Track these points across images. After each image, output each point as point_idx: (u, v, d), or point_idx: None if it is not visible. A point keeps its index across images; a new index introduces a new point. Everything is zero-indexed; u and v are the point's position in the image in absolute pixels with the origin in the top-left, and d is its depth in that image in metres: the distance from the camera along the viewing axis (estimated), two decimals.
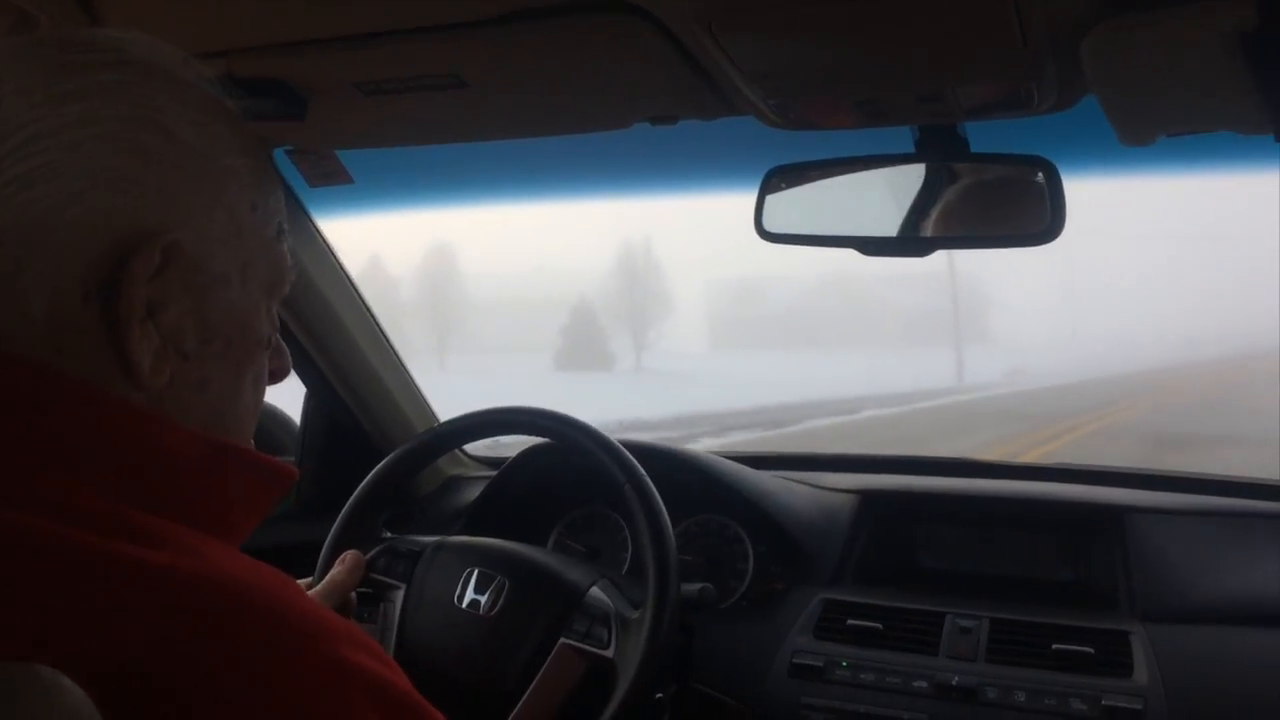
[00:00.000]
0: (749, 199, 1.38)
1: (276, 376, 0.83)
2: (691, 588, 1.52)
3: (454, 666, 1.46)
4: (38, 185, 0.62)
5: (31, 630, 0.55)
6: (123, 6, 1.03)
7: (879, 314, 63.56)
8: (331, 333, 1.87)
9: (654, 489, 1.49)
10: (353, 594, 1.43)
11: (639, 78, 1.14)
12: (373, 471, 1.66)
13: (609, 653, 1.41)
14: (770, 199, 1.36)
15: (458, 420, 1.70)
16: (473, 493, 2.07)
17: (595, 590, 1.49)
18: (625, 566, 1.91)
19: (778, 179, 1.36)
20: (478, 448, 2.20)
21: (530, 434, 1.69)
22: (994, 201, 1.27)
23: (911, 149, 1.30)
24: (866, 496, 1.84)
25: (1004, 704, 1.46)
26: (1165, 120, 1.07)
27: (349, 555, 1.49)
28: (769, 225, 1.36)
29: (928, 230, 1.29)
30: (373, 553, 1.58)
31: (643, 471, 1.51)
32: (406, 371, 2.07)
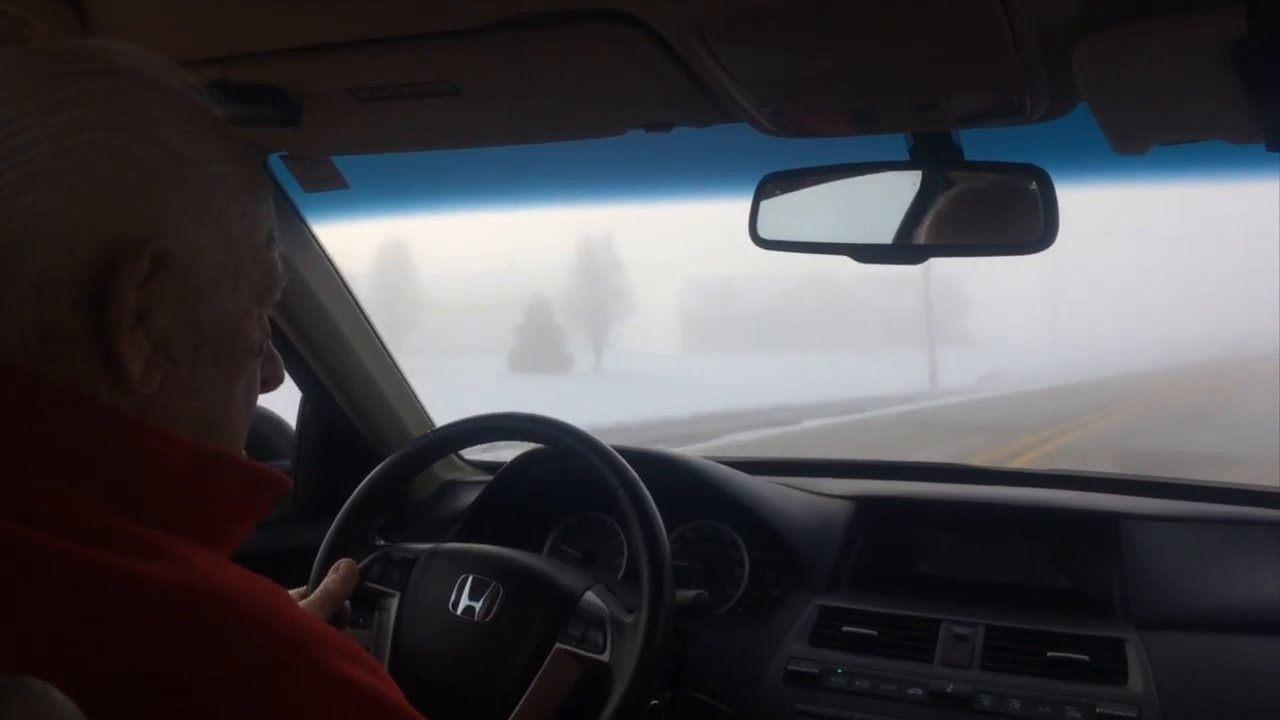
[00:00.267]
0: (739, 205, 1.38)
1: (269, 384, 0.83)
2: (686, 594, 1.52)
3: (450, 673, 1.46)
4: (27, 193, 0.62)
5: (20, 642, 0.55)
6: (116, 13, 1.04)
7: (857, 315, 61.89)
8: (327, 337, 1.87)
9: (647, 492, 1.49)
10: (346, 603, 1.43)
11: (633, 85, 1.14)
12: (368, 477, 1.66)
13: (604, 657, 1.41)
14: (765, 206, 1.36)
15: (453, 425, 1.70)
16: (469, 497, 2.07)
17: (590, 595, 1.49)
18: (620, 572, 1.91)
19: (772, 185, 1.36)
20: (473, 452, 2.20)
21: (525, 439, 1.69)
22: (987, 209, 1.27)
23: (906, 156, 1.31)
24: (862, 502, 1.84)
25: (999, 712, 1.46)
26: (1158, 129, 1.07)
27: (342, 564, 1.49)
28: (763, 232, 1.37)
29: (922, 238, 1.30)
30: (366, 561, 1.58)
31: (636, 475, 1.51)
32: (402, 376, 2.07)
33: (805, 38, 0.99)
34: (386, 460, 1.68)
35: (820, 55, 1.03)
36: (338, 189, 1.56)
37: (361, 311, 1.94)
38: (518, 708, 1.39)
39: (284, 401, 2.10)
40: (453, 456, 2.17)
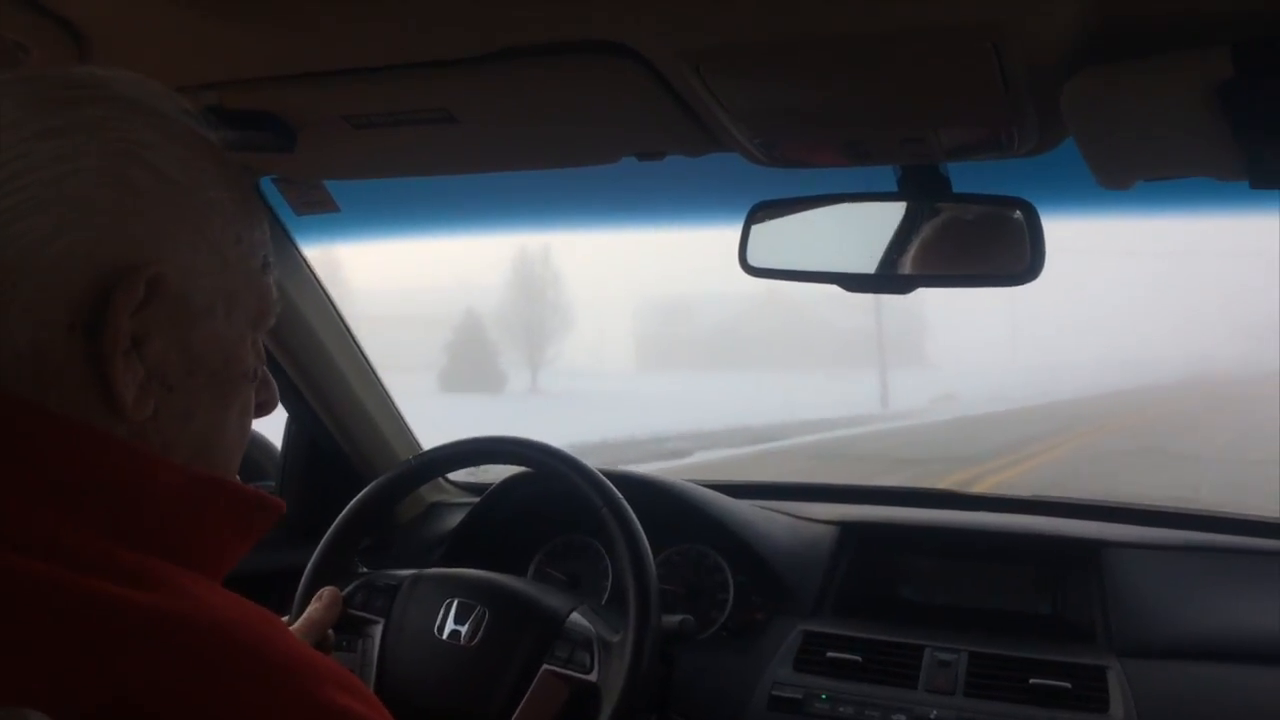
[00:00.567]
0: (729, 232, 1.39)
1: (264, 409, 0.83)
2: (672, 619, 1.52)
3: (437, 698, 1.46)
4: (21, 219, 0.62)
5: (17, 672, 0.55)
6: (113, 39, 1.04)
7: (815, 335, 59.71)
8: (316, 359, 1.87)
9: (632, 514, 1.50)
10: (330, 631, 1.43)
11: (627, 115, 1.16)
12: (353, 502, 1.66)
13: (592, 676, 1.41)
14: (755, 234, 1.37)
15: (441, 449, 1.70)
16: (454, 520, 2.07)
17: (576, 615, 1.49)
18: (606, 595, 1.91)
19: (762, 214, 1.37)
20: (460, 473, 2.20)
21: (511, 463, 1.70)
22: (975, 241, 1.28)
23: (894, 187, 1.32)
24: (847, 527, 1.85)
25: None
26: (1143, 165, 1.09)
27: (326, 592, 1.49)
28: (753, 260, 1.38)
29: (909, 268, 1.31)
30: (350, 588, 1.58)
31: (621, 497, 1.52)
32: (390, 399, 2.07)
33: (799, 74, 1.01)
34: (372, 484, 1.67)
35: (813, 91, 1.05)
36: (329, 212, 1.56)
37: (350, 334, 1.94)
38: None
39: (269, 423, 2.09)
40: (440, 479, 2.17)
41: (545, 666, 1.44)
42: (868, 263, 1.34)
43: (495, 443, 1.65)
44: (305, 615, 1.42)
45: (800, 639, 1.68)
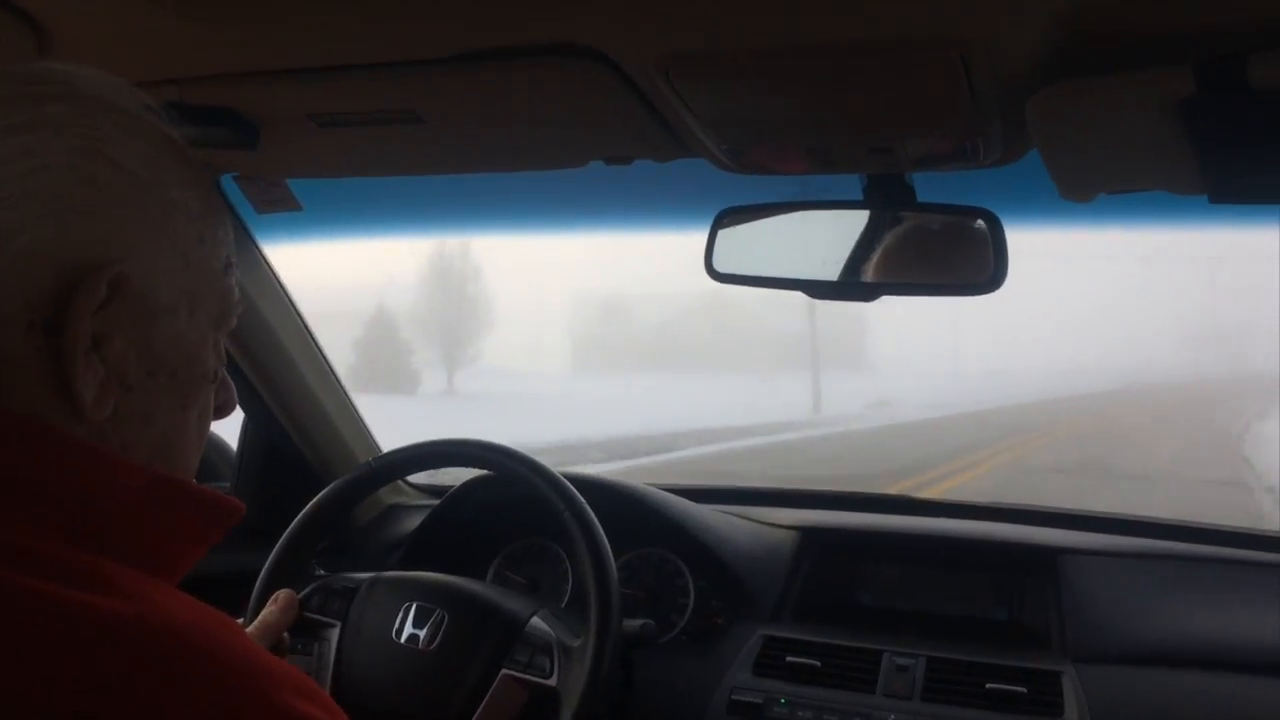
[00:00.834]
0: (691, 237, 1.40)
1: (222, 411, 0.82)
2: (633, 624, 1.52)
3: (394, 702, 1.44)
4: None
5: None
6: (75, 33, 1.02)
7: (754, 337, 57.87)
8: (274, 358, 1.84)
9: (594, 517, 1.50)
10: (285, 634, 1.41)
11: (595, 120, 1.15)
12: (310, 504, 1.64)
13: (552, 681, 1.41)
14: (721, 240, 1.37)
15: (400, 451, 1.69)
16: (412, 522, 2.05)
17: (536, 620, 1.49)
18: (566, 599, 1.91)
19: (728, 220, 1.38)
20: (419, 477, 2.18)
21: (469, 465, 1.69)
22: (939, 250, 1.30)
23: (860, 196, 1.33)
24: (807, 533, 1.86)
25: None
26: (1105, 179, 1.11)
27: (282, 595, 1.47)
28: (719, 266, 1.38)
29: (874, 276, 1.32)
30: (306, 591, 1.56)
31: (582, 500, 1.52)
32: (349, 400, 2.05)
33: (768, 81, 1.01)
34: (330, 487, 1.66)
35: (782, 99, 1.05)
36: (290, 211, 1.54)
37: (310, 334, 1.92)
38: None
39: (225, 423, 2.05)
40: (399, 480, 2.15)
41: (504, 671, 1.43)
42: (833, 270, 1.35)
43: (457, 445, 1.64)
44: (260, 618, 1.40)
45: (760, 644, 1.69)
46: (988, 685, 1.53)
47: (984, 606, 1.73)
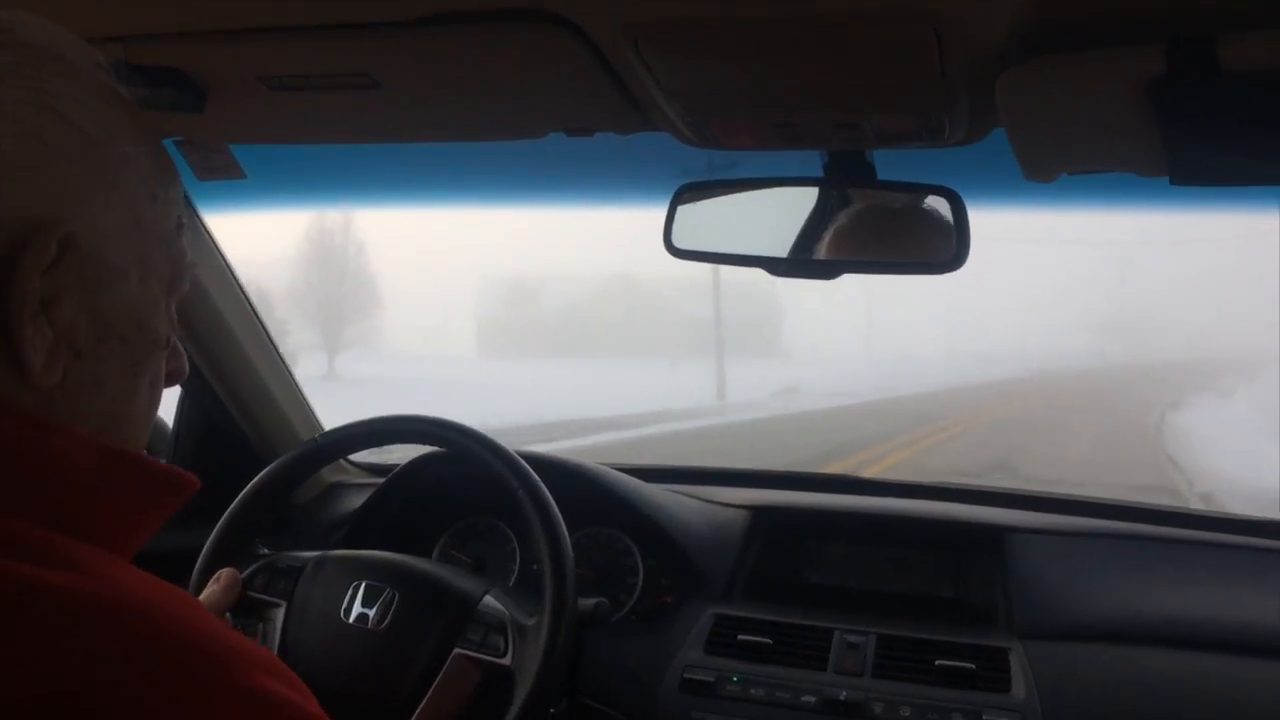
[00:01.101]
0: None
1: (173, 378, 0.80)
2: (587, 602, 1.51)
3: (342, 683, 1.41)
4: None
5: None
6: None
7: (665, 321, 55.62)
8: (214, 332, 1.79)
9: (548, 494, 1.48)
10: (228, 614, 1.38)
11: (559, 89, 1.12)
12: (253, 482, 1.60)
13: (506, 660, 1.39)
14: (680, 215, 1.36)
15: (348, 428, 1.65)
16: (355, 501, 2.01)
17: (489, 599, 1.47)
18: (513, 578, 1.89)
19: (688, 195, 1.36)
20: (362, 455, 2.14)
21: (420, 442, 1.65)
22: (901, 228, 1.30)
23: (819, 173, 1.32)
24: (758, 512, 1.86)
25: (890, 718, 1.49)
26: (1069, 159, 1.11)
27: (224, 574, 1.44)
28: (678, 241, 1.36)
29: (835, 253, 1.31)
30: (250, 570, 1.53)
31: (537, 477, 1.50)
32: (291, 376, 2.00)
33: (739, 53, 0.99)
34: (273, 464, 1.62)
35: (751, 71, 1.03)
36: (233, 179, 1.49)
37: (252, 308, 1.87)
38: (415, 715, 1.37)
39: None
40: (340, 459, 2.11)
41: (457, 650, 1.41)
42: (793, 248, 1.34)
43: (407, 422, 1.61)
44: (202, 597, 1.37)
45: (711, 622, 1.69)
46: (937, 662, 1.54)
47: (932, 584, 1.75)
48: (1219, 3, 0.86)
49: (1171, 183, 1.05)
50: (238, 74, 1.12)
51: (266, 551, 1.59)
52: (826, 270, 1.31)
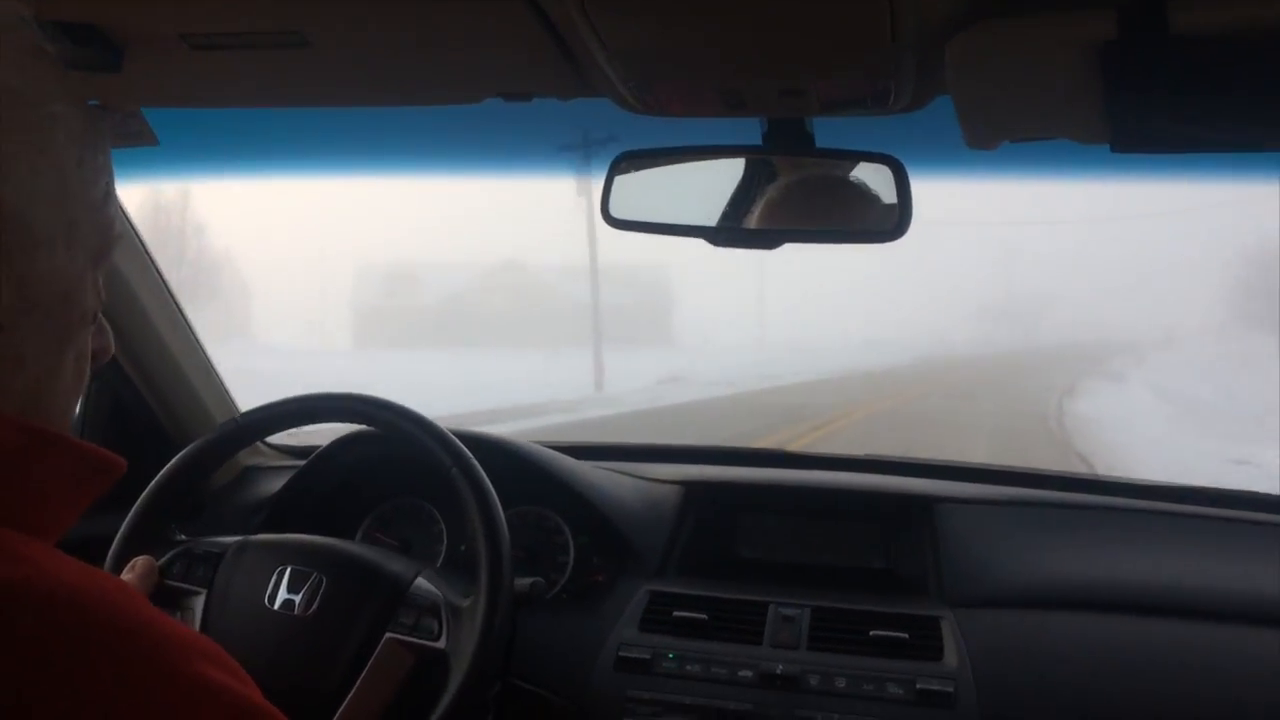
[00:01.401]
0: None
1: (100, 357, 0.76)
2: (523, 582, 1.48)
3: (269, 672, 1.36)
4: None
5: None
6: None
7: (552, 310, 53.17)
8: (125, 309, 1.71)
9: (482, 472, 1.45)
10: None
11: (498, 50, 1.09)
12: (168, 465, 1.54)
13: (440, 643, 1.36)
14: (618, 185, 1.33)
15: (269, 407, 1.59)
16: (273, 485, 1.95)
17: (421, 580, 1.43)
18: (440, 559, 1.85)
19: (625, 164, 1.34)
20: (279, 436, 2.08)
21: (348, 421, 1.60)
22: (843, 197, 1.29)
23: (759, 141, 1.31)
24: (690, 487, 1.85)
25: (826, 690, 1.50)
26: (1013, 126, 1.11)
27: (139, 561, 1.40)
28: (615, 211, 1.34)
29: (776, 223, 1.30)
30: (166, 557, 1.47)
31: (470, 455, 1.47)
32: (206, 357, 1.93)
33: (690, 12, 0.97)
34: (190, 447, 1.56)
35: (702, 33, 1.01)
36: (145, 145, 1.42)
37: (166, 285, 1.79)
38: (346, 702, 1.33)
39: None
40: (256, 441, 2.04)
41: (389, 635, 1.38)
42: (733, 217, 1.33)
43: (334, 400, 1.56)
44: None
45: (646, 599, 1.68)
46: (871, 632, 1.55)
47: (863, 555, 1.76)
48: None
49: (1112, 150, 1.06)
50: (157, 31, 1.06)
51: (183, 538, 1.53)
52: (767, 240, 1.30)
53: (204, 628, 1.41)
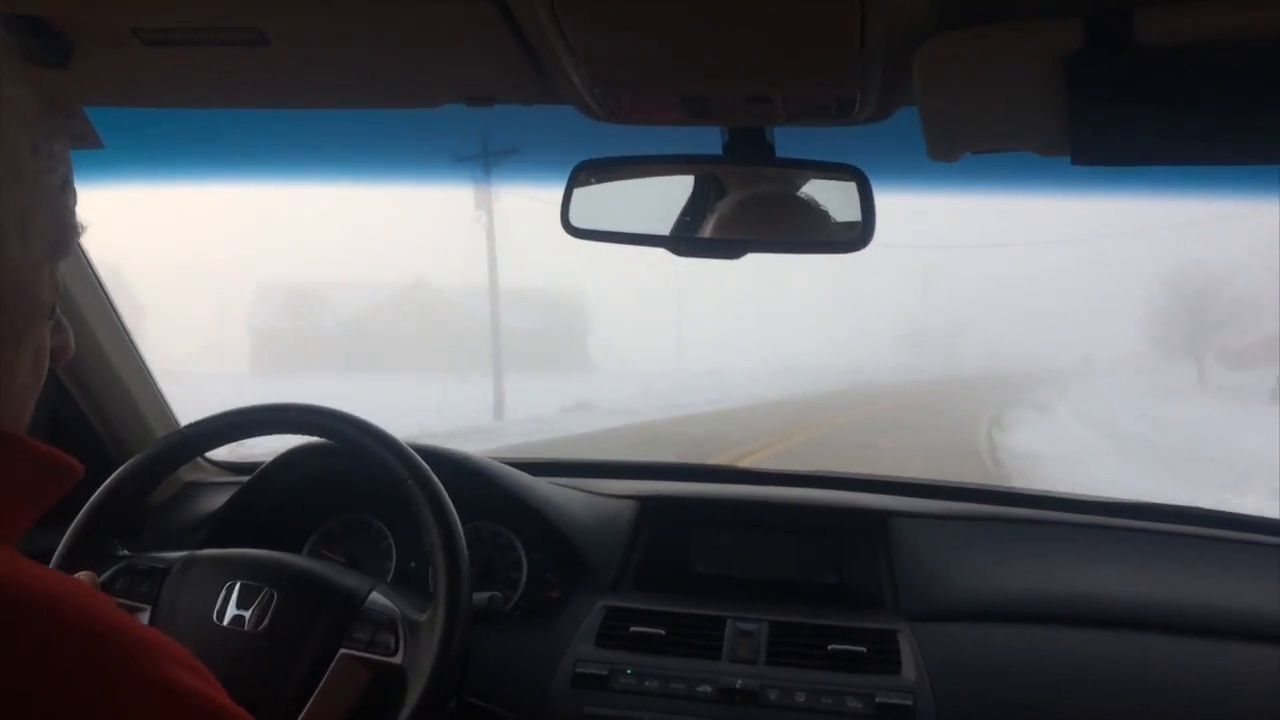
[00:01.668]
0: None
1: (59, 356, 0.74)
2: (481, 596, 1.46)
3: None
4: None
5: None
6: None
7: (462, 333, 49.84)
8: (67, 317, 1.65)
9: (440, 484, 1.43)
10: None
11: (463, 53, 1.07)
12: (111, 478, 1.50)
13: (397, 659, 1.33)
14: (578, 194, 1.33)
15: (216, 419, 1.55)
16: (214, 501, 1.90)
17: (376, 595, 1.40)
18: (390, 575, 1.81)
19: (586, 174, 1.33)
20: (219, 452, 2.02)
21: (300, 433, 1.57)
22: (806, 207, 1.29)
23: (719, 151, 1.31)
24: (645, 502, 1.83)
25: (785, 705, 1.49)
26: (976, 136, 1.12)
27: (81, 577, 1.35)
28: (576, 220, 1.33)
29: (739, 233, 1.30)
30: (109, 573, 1.43)
31: (427, 467, 1.44)
32: (147, 369, 1.87)
33: (660, 18, 0.96)
34: (135, 458, 1.52)
35: (669, 38, 1.01)
36: (89, 148, 1.37)
37: (106, 295, 1.73)
38: None
39: None
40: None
41: (343, 650, 1.34)
42: (696, 227, 1.32)
43: (284, 411, 1.53)
44: None
45: (602, 614, 1.66)
46: (829, 646, 1.55)
47: (818, 570, 1.76)
48: None
49: (1073, 162, 1.07)
50: (109, 24, 1.03)
51: (126, 553, 1.48)
52: (731, 249, 1.30)
53: None
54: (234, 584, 1.39)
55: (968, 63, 0.97)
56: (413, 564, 1.81)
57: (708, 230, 1.33)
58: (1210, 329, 40.83)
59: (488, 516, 1.81)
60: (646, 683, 1.54)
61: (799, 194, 1.30)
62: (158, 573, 1.43)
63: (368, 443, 1.46)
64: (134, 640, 0.57)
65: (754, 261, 1.34)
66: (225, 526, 1.82)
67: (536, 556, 1.78)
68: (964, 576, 1.69)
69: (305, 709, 1.29)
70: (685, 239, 1.31)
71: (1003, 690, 1.51)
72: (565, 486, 1.89)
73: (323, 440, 1.55)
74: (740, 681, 1.52)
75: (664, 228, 1.33)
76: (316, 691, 1.31)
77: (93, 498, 1.47)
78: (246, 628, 1.35)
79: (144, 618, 1.39)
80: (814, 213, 1.28)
